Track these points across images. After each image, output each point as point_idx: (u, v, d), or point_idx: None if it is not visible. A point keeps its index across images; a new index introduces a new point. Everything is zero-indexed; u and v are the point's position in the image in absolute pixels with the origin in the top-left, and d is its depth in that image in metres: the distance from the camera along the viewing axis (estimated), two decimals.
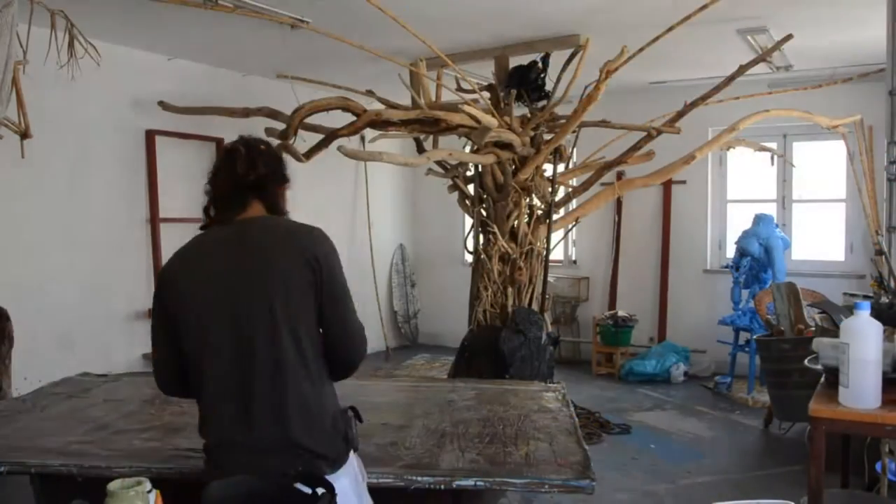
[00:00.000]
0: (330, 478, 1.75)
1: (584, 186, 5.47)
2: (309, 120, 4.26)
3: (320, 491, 1.70)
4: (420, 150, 5.23)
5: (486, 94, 5.00)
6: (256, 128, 5.06)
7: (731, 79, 4.58)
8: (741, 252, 6.05)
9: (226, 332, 1.77)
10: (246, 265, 1.79)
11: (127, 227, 5.32)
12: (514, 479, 2.11)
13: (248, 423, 1.76)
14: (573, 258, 7.75)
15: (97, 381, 3.24)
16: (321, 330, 1.83)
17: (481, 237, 5.11)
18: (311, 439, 1.76)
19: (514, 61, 5.20)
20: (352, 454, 1.87)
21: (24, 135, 3.66)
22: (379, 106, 4.52)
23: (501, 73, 5.22)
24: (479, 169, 5.00)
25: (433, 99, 4.80)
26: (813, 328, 3.97)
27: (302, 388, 1.77)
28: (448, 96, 5.01)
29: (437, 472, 2.11)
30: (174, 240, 5.51)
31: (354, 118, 4.21)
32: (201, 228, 1.91)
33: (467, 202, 5.23)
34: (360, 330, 1.89)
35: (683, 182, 6.89)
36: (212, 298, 1.79)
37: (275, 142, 4.27)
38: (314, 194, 6.80)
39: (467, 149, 5.00)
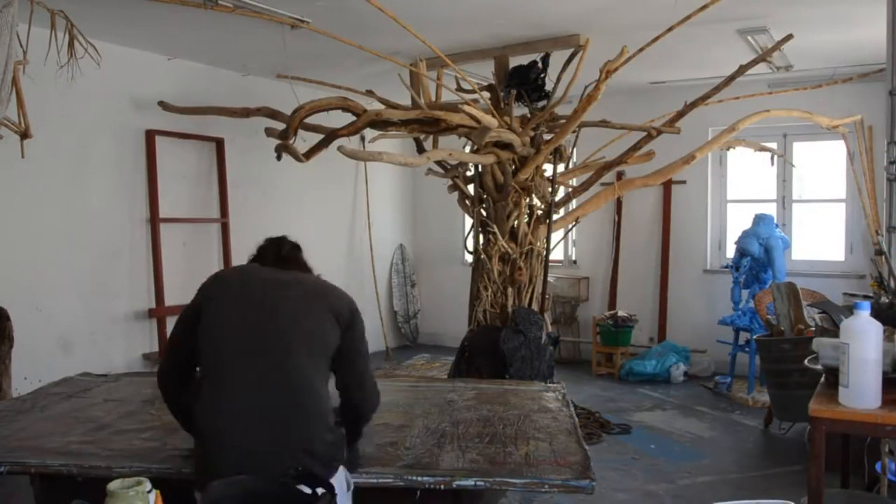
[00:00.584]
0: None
1: (584, 186, 5.46)
2: (309, 120, 4.26)
3: (320, 491, 1.70)
4: (420, 150, 5.23)
5: (486, 94, 5.00)
6: (256, 128, 5.08)
7: (731, 79, 4.58)
8: (741, 252, 6.05)
9: (248, 342, 1.94)
10: (284, 302, 2.02)
11: (127, 227, 5.31)
12: (514, 479, 2.10)
13: (264, 426, 1.86)
14: (573, 258, 7.75)
15: (97, 381, 3.24)
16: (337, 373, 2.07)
17: (481, 237, 5.10)
18: (311, 445, 1.87)
19: (514, 61, 5.20)
20: (341, 467, 1.97)
21: (24, 135, 3.65)
22: (379, 106, 4.52)
23: (501, 73, 5.22)
24: (479, 169, 5.00)
25: (433, 99, 4.80)
26: (813, 328, 3.96)
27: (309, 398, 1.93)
28: (448, 96, 5.01)
29: (437, 472, 2.11)
30: (174, 240, 5.54)
31: (354, 118, 4.21)
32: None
33: (467, 202, 5.23)
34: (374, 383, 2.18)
35: (683, 182, 6.90)
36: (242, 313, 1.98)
37: (275, 141, 4.28)
38: (314, 194, 6.82)
39: (467, 149, 5.00)
